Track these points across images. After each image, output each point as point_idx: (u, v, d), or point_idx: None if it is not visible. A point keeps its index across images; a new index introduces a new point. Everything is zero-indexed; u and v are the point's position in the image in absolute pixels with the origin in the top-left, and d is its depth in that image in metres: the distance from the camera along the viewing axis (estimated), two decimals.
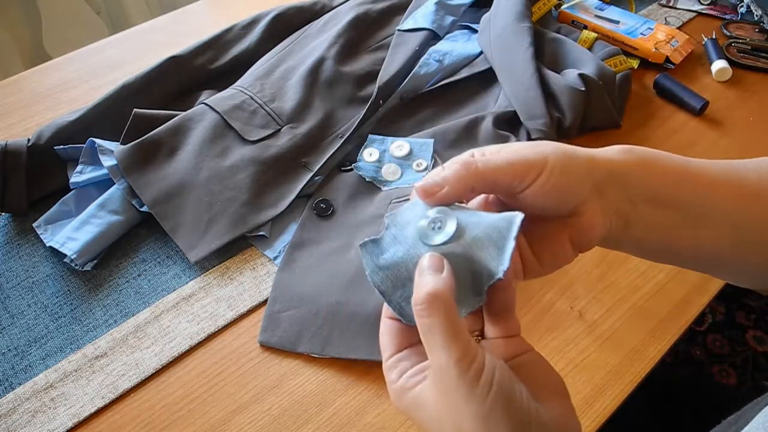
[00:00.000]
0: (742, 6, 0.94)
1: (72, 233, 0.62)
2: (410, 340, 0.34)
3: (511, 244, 0.31)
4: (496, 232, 0.32)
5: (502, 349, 0.33)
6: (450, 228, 0.32)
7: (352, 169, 0.68)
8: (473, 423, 0.29)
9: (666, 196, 0.37)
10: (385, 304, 0.34)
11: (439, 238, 0.32)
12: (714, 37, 0.88)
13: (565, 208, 0.35)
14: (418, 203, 0.34)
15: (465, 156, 0.35)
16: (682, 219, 0.37)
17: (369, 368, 0.55)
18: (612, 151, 0.37)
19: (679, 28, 0.92)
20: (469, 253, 0.32)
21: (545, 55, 0.78)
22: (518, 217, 0.32)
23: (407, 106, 0.75)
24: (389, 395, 0.34)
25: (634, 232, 0.37)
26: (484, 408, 0.28)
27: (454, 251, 0.32)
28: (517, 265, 0.36)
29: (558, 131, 0.71)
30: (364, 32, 0.83)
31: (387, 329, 0.35)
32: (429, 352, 0.30)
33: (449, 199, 0.34)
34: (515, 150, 0.35)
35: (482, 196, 0.38)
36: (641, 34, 0.85)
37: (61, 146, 0.68)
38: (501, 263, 0.31)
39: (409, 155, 0.68)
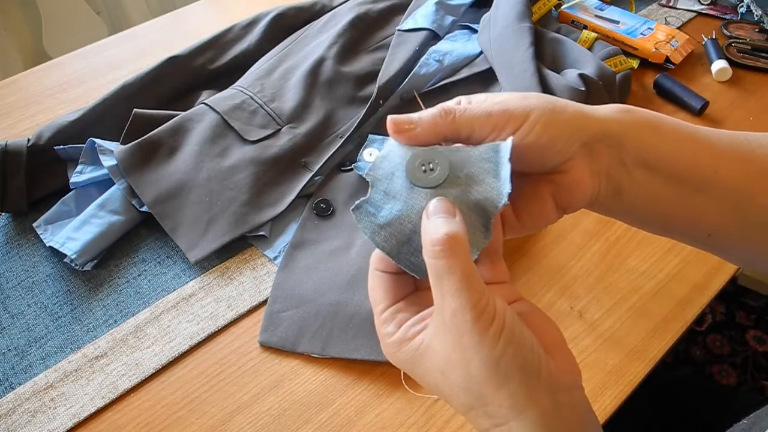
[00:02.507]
0: (742, 6, 0.94)
1: (72, 233, 0.62)
2: (404, 291, 0.33)
3: (507, 168, 0.30)
4: (488, 162, 0.31)
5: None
6: (443, 168, 0.31)
7: (352, 169, 0.68)
8: (484, 368, 0.28)
9: (664, 163, 0.34)
10: (375, 256, 0.33)
11: (435, 179, 0.31)
12: (714, 37, 0.88)
13: (548, 165, 0.34)
14: (393, 152, 0.32)
15: (450, 102, 0.33)
16: (680, 190, 0.35)
17: (369, 368, 0.55)
18: (608, 110, 0.34)
19: (679, 28, 0.92)
20: (468, 190, 0.31)
21: (545, 55, 0.78)
22: (508, 141, 0.31)
23: (407, 106, 0.75)
24: (384, 350, 0.32)
25: (626, 198, 0.35)
26: (495, 353, 0.28)
27: (451, 191, 0.31)
28: (496, 219, 0.33)
29: None
30: (364, 32, 0.83)
31: (379, 282, 0.33)
32: (441, 296, 0.29)
33: (419, 141, 0.32)
34: (499, 101, 0.33)
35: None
36: (641, 34, 0.85)
37: (61, 146, 0.68)
38: (502, 187, 0.30)
39: None
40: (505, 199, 0.30)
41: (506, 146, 0.31)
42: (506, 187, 0.30)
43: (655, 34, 0.85)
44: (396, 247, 0.31)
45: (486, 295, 0.28)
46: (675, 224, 0.36)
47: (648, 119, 0.34)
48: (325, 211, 0.65)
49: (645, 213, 0.36)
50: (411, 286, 0.33)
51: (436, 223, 0.29)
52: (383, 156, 0.32)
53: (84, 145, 0.67)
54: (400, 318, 0.32)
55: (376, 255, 0.33)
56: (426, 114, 0.32)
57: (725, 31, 0.91)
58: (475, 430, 0.30)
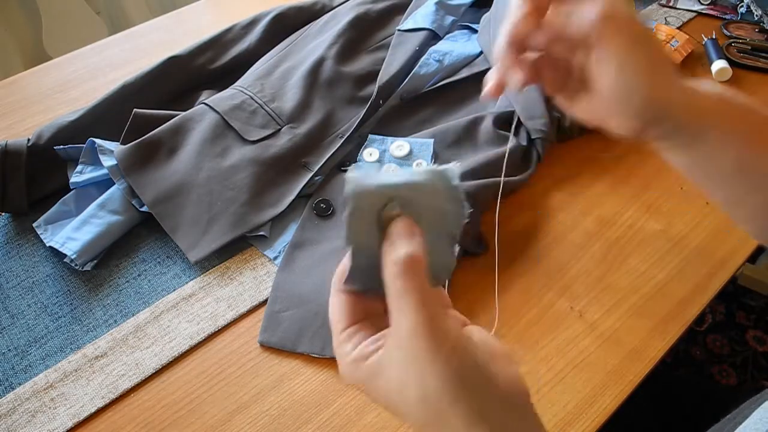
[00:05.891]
0: (742, 6, 0.94)
1: (72, 233, 0.62)
2: (363, 313, 0.34)
3: (460, 192, 0.32)
4: (441, 189, 0.32)
5: None
6: (404, 206, 0.32)
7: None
8: (439, 382, 0.29)
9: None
10: (337, 278, 0.35)
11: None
12: (714, 37, 0.88)
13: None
14: (360, 209, 0.33)
15: None
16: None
17: None
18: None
19: (679, 28, 0.92)
20: (431, 218, 0.32)
21: None
22: (454, 167, 0.32)
23: (407, 106, 0.75)
24: (341, 370, 0.33)
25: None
26: (450, 368, 0.29)
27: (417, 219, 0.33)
28: None
29: (558, 131, 0.71)
30: (364, 32, 0.83)
31: (340, 303, 0.35)
32: (397, 314, 0.30)
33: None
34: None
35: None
36: None
37: (61, 146, 0.68)
38: (461, 210, 0.32)
39: (409, 155, 0.68)
40: (465, 219, 0.32)
41: (453, 172, 0.32)
42: (464, 210, 0.32)
43: (655, 34, 0.85)
44: (365, 283, 0.33)
45: (441, 313, 0.30)
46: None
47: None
48: (325, 211, 0.65)
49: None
50: (369, 309, 0.34)
51: (397, 244, 0.30)
52: (351, 216, 0.32)
53: (84, 145, 0.67)
54: (358, 338, 0.33)
55: (338, 277, 0.35)
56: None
57: (725, 31, 0.91)
58: None
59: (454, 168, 0.32)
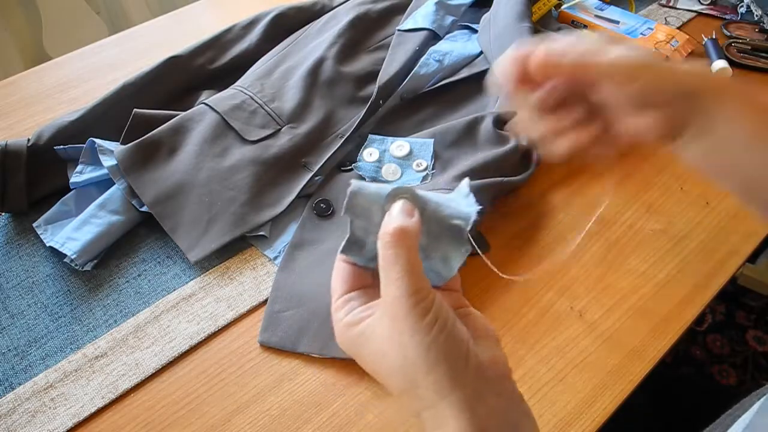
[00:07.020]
0: (742, 6, 0.94)
1: (72, 233, 0.62)
2: (361, 283, 0.36)
3: (471, 196, 0.35)
4: (455, 193, 0.35)
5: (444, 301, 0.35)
6: (413, 198, 0.35)
7: (352, 169, 0.68)
8: (417, 351, 0.31)
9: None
10: (339, 252, 0.37)
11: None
12: (714, 37, 0.88)
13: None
14: (366, 188, 0.35)
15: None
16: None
17: None
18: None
19: (679, 28, 0.92)
20: (441, 211, 0.34)
21: None
22: (465, 181, 0.35)
23: (407, 106, 0.75)
24: (335, 335, 0.35)
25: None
26: (428, 338, 0.30)
27: (426, 211, 0.34)
28: None
29: None
30: (364, 32, 0.83)
31: (339, 272, 0.37)
32: (386, 283, 0.32)
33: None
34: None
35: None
36: (641, 34, 0.85)
37: (61, 146, 0.68)
38: (472, 207, 0.34)
39: (409, 155, 0.68)
40: (475, 216, 0.34)
41: (464, 184, 0.36)
42: (474, 207, 0.35)
43: (655, 34, 0.85)
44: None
45: (426, 286, 0.31)
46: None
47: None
48: (325, 211, 0.65)
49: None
50: (368, 280, 0.36)
51: (392, 219, 0.32)
52: (355, 192, 0.35)
53: (84, 145, 0.67)
54: (351, 305, 0.35)
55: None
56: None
57: (725, 31, 0.91)
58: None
59: (466, 182, 0.36)
